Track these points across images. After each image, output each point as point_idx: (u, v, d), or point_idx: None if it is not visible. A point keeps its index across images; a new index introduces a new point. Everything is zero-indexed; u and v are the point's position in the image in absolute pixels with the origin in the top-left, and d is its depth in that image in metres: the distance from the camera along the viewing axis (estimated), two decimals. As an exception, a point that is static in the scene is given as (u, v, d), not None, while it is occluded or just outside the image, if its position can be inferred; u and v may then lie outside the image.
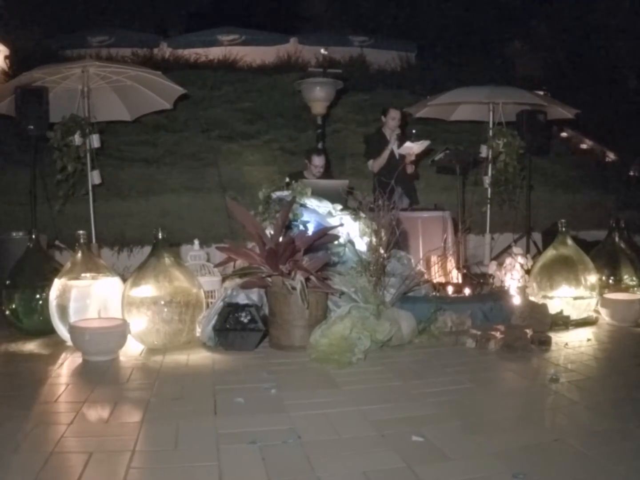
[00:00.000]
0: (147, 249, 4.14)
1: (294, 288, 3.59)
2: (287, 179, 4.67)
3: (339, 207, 4.60)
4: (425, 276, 4.59)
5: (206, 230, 6.87)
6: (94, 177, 6.27)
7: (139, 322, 3.74)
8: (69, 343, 3.72)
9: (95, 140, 6.23)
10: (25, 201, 6.13)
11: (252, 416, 2.56)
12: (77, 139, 6.11)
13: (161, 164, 8.24)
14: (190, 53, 11.03)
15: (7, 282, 4.21)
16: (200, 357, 3.63)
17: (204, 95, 9.45)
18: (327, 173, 6.27)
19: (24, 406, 2.70)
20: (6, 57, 9.83)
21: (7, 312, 4.17)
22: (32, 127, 5.80)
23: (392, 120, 6.16)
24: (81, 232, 4.01)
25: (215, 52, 11.11)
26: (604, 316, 4.52)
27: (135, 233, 6.96)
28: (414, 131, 6.04)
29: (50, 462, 2.10)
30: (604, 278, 4.90)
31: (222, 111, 9.29)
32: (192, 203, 7.55)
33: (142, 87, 6.67)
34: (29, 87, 5.90)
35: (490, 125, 7.14)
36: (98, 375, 3.22)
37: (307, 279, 3.62)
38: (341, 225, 4.35)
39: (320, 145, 7.21)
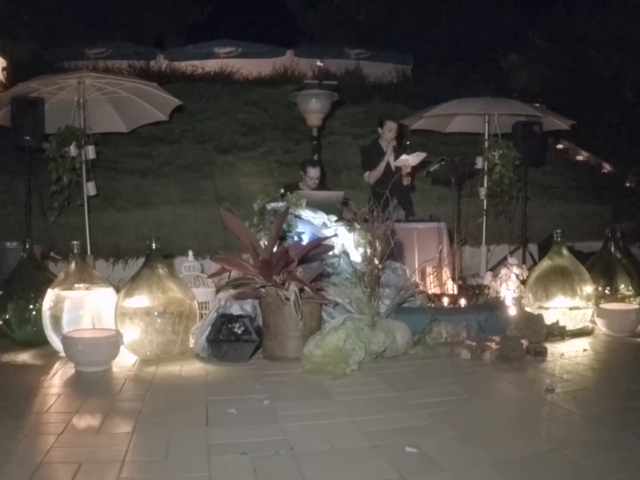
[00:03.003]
0: (142, 261, 4.12)
1: (287, 299, 3.57)
2: (282, 190, 4.66)
3: (334, 218, 4.59)
4: (421, 287, 4.58)
5: (201, 242, 6.86)
6: (90, 188, 6.27)
7: (132, 332, 3.71)
8: (62, 354, 3.69)
9: (90, 152, 6.24)
10: (20, 212, 6.13)
11: (244, 427, 2.52)
12: (72, 150, 6.11)
13: (157, 175, 8.24)
14: (187, 65, 11.10)
15: (1, 292, 4.19)
16: (193, 368, 3.60)
17: (200, 107, 9.49)
18: (322, 185, 6.28)
19: (14, 416, 2.67)
20: (4, 69, 9.87)
21: (0, 323, 4.14)
22: (27, 137, 5.83)
23: (388, 132, 6.17)
24: (75, 242, 3.99)
25: (211, 65, 11.19)
26: (600, 326, 4.51)
27: (131, 244, 6.94)
28: (407, 142, 6.06)
29: (39, 473, 2.07)
30: (600, 288, 4.88)
31: (218, 123, 9.32)
32: (188, 215, 7.54)
33: (138, 98, 6.70)
34: (24, 98, 5.92)
35: (486, 137, 7.13)
36: (90, 386, 3.19)
37: (301, 290, 3.60)
38: (336, 235, 4.33)
39: (315, 157, 7.22)
